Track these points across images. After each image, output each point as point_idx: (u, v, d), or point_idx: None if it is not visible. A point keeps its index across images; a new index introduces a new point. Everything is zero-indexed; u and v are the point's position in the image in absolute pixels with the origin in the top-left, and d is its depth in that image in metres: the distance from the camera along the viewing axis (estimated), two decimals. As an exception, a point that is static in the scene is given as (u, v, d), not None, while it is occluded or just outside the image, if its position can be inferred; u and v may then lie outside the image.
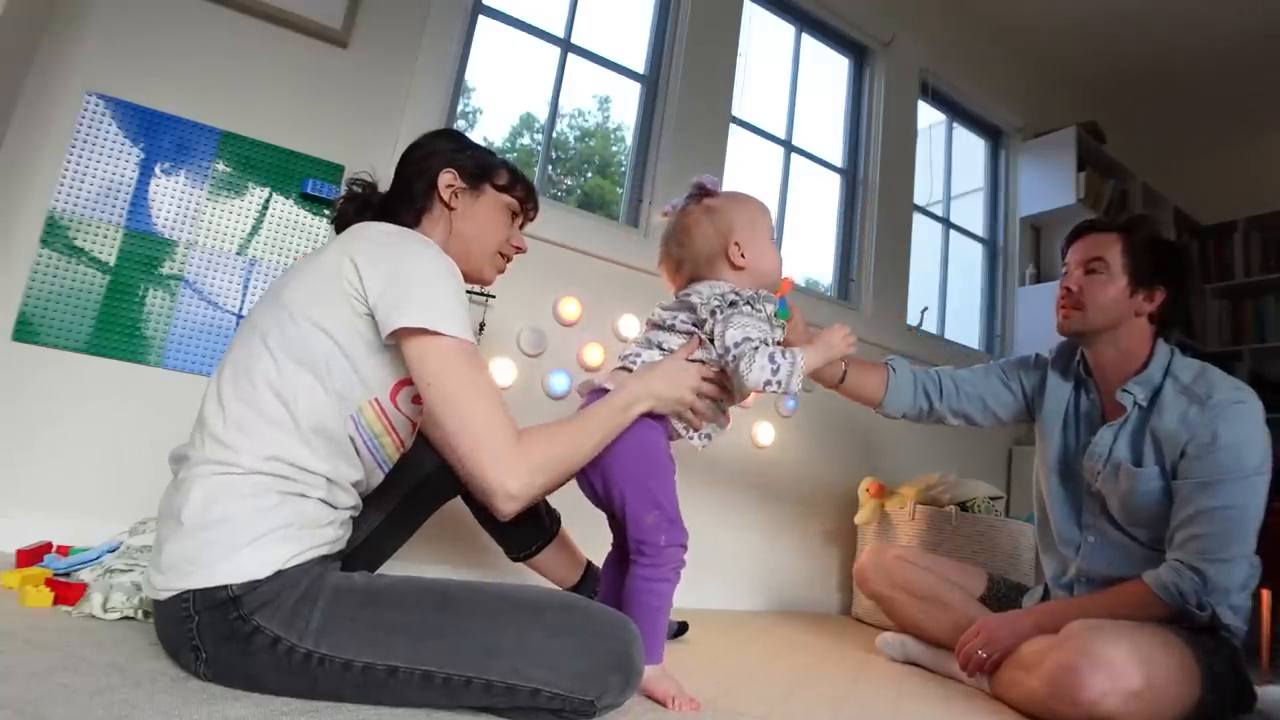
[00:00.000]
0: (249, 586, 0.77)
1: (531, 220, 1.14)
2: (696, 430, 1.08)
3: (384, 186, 1.09)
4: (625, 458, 1.01)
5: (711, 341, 1.04)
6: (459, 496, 1.28)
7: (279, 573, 0.78)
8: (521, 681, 0.77)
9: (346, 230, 0.94)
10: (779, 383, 0.99)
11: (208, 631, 0.77)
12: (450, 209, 1.04)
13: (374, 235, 0.91)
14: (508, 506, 0.85)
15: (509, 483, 0.83)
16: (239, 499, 0.79)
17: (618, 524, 1.07)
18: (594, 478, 1.04)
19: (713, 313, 1.03)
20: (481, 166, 1.06)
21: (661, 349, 1.08)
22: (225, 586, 0.76)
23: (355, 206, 1.06)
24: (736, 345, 1.00)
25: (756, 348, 1.00)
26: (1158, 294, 1.35)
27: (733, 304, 1.03)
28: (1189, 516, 1.22)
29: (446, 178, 1.03)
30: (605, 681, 0.79)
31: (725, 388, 1.08)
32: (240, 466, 0.80)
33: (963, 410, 1.56)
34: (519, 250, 1.11)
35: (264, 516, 0.80)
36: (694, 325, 1.07)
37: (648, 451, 1.03)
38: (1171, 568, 1.21)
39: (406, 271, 0.86)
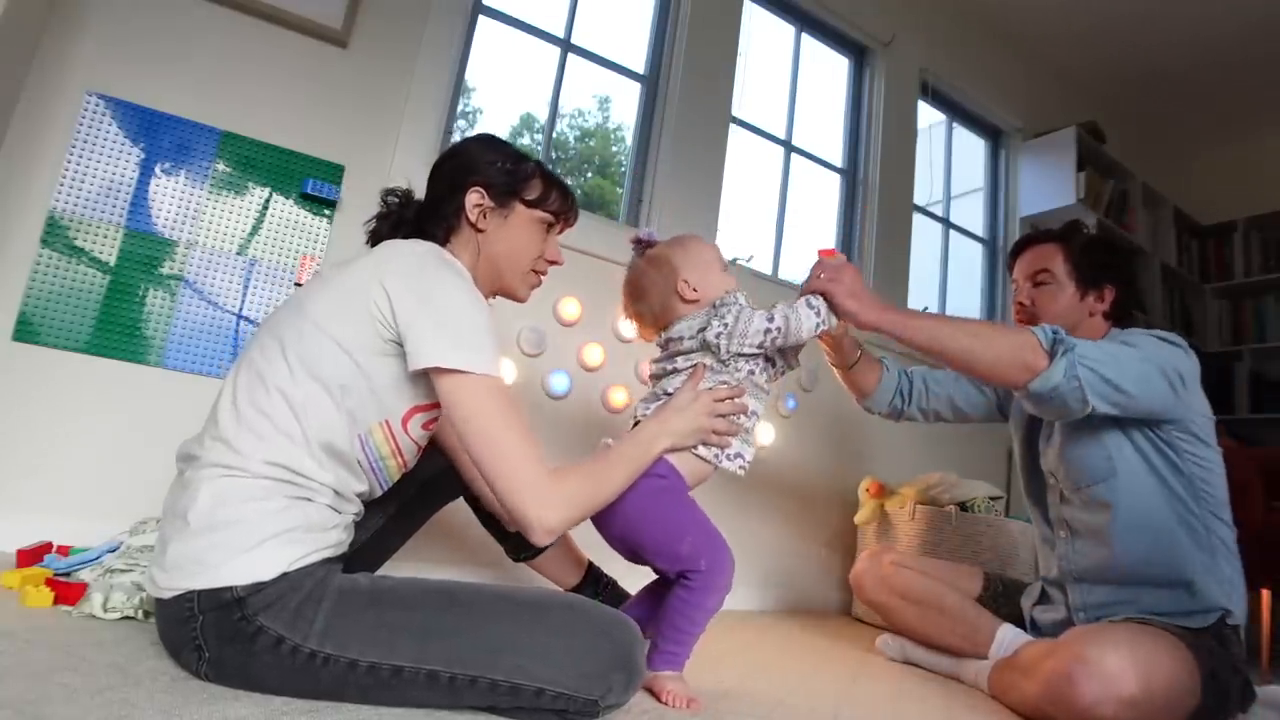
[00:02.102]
0: (254, 588, 0.77)
1: (571, 226, 1.09)
2: (724, 450, 1.08)
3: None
4: (643, 499, 1.02)
5: (723, 364, 1.07)
6: (460, 497, 1.28)
7: (283, 575, 0.78)
8: (527, 680, 0.77)
9: (379, 247, 0.93)
10: (821, 321, 1.10)
11: (211, 631, 0.77)
12: (479, 231, 1.00)
13: (406, 258, 0.89)
14: (545, 540, 0.87)
15: (546, 517, 0.85)
16: (247, 502, 0.80)
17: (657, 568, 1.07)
18: (613, 526, 1.04)
19: (717, 335, 1.05)
20: (512, 180, 1.01)
21: (667, 394, 1.09)
22: (230, 588, 0.76)
23: (390, 224, 1.04)
24: (770, 323, 1.06)
25: (787, 310, 1.08)
26: (1107, 292, 1.40)
27: (723, 311, 1.07)
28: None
29: (473, 198, 0.99)
30: (609, 680, 0.80)
31: (743, 405, 1.09)
32: (248, 470, 0.81)
33: (932, 409, 1.60)
34: (553, 263, 1.07)
35: (271, 520, 0.80)
36: (695, 354, 1.09)
37: (663, 487, 1.04)
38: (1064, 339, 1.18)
39: (438, 305, 0.85)
